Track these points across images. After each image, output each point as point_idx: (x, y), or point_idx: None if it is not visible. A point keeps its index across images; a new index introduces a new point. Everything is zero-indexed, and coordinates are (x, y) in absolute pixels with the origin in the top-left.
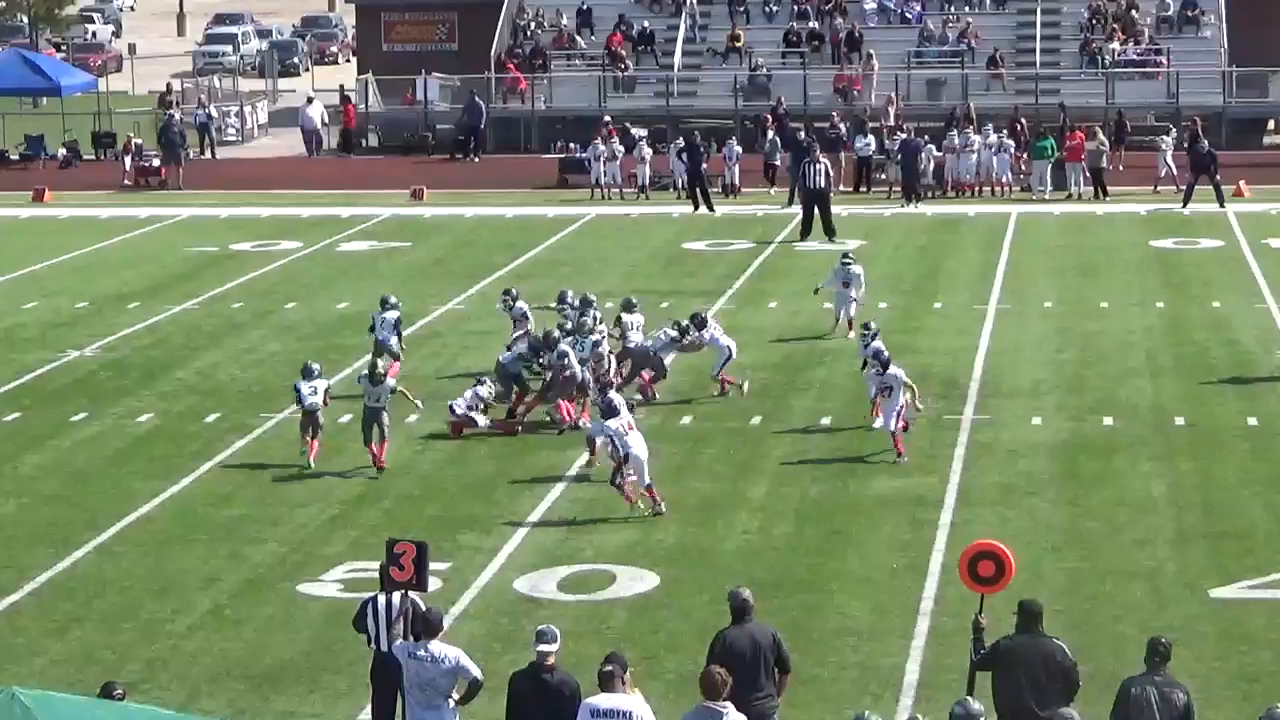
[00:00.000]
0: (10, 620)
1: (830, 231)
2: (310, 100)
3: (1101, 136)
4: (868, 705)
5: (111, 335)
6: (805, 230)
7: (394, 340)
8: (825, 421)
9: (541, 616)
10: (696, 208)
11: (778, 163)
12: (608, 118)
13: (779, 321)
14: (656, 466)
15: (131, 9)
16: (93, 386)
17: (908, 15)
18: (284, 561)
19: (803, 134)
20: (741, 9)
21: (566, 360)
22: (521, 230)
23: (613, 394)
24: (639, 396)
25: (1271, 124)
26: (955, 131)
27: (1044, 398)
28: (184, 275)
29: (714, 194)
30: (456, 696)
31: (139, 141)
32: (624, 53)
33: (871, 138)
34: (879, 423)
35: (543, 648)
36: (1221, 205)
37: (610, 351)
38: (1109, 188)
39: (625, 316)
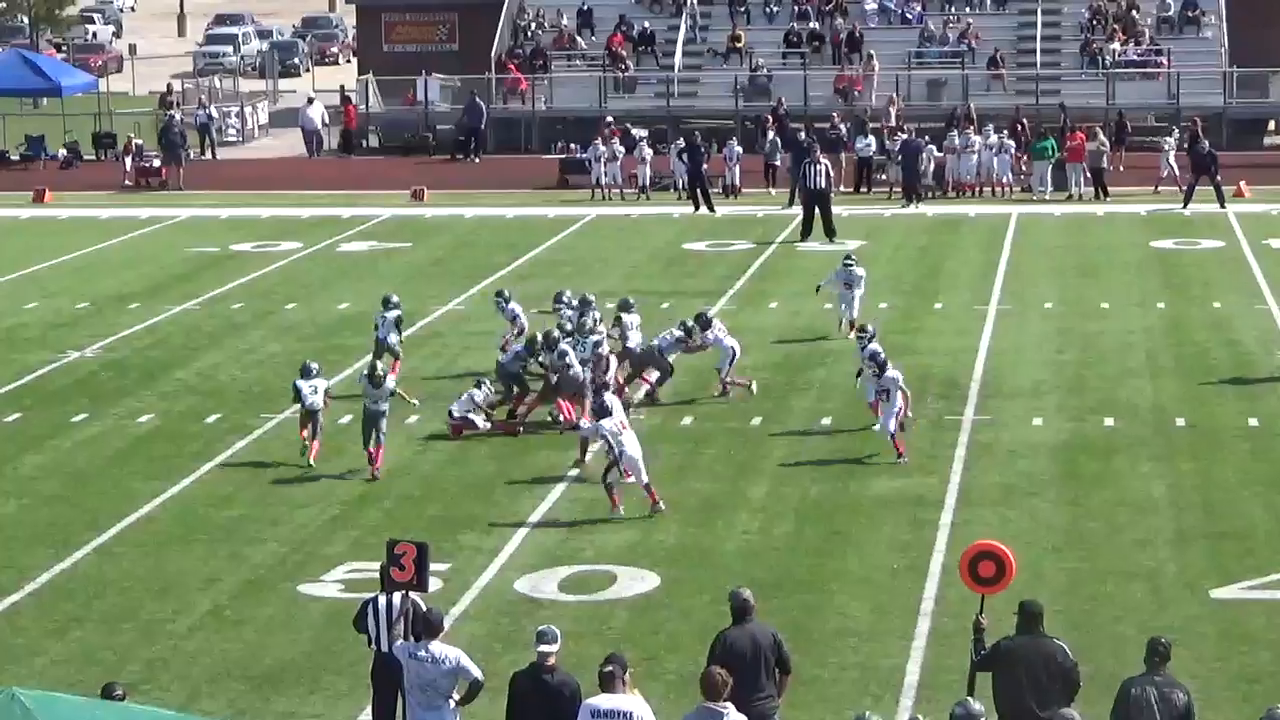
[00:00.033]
0: (10, 620)
1: (831, 232)
2: (311, 101)
3: (1102, 137)
4: (868, 706)
5: (112, 336)
6: (806, 231)
7: (394, 337)
8: (825, 422)
9: (542, 617)
10: (697, 208)
11: (778, 163)
12: (610, 118)
13: (779, 322)
14: (657, 467)
15: (132, 9)
16: (93, 387)
17: (908, 16)
18: (284, 562)
19: (803, 134)
20: (742, 9)
21: (567, 360)
22: (522, 231)
23: (606, 395)
24: (640, 396)
25: (1272, 124)
26: (956, 132)
27: (1044, 398)
28: (184, 276)
29: (714, 194)
30: (457, 697)
31: (139, 142)
32: (624, 53)
33: (872, 138)
34: (879, 426)
35: (543, 648)
36: (1222, 206)
37: (610, 351)
38: (1109, 188)
39: (624, 317)
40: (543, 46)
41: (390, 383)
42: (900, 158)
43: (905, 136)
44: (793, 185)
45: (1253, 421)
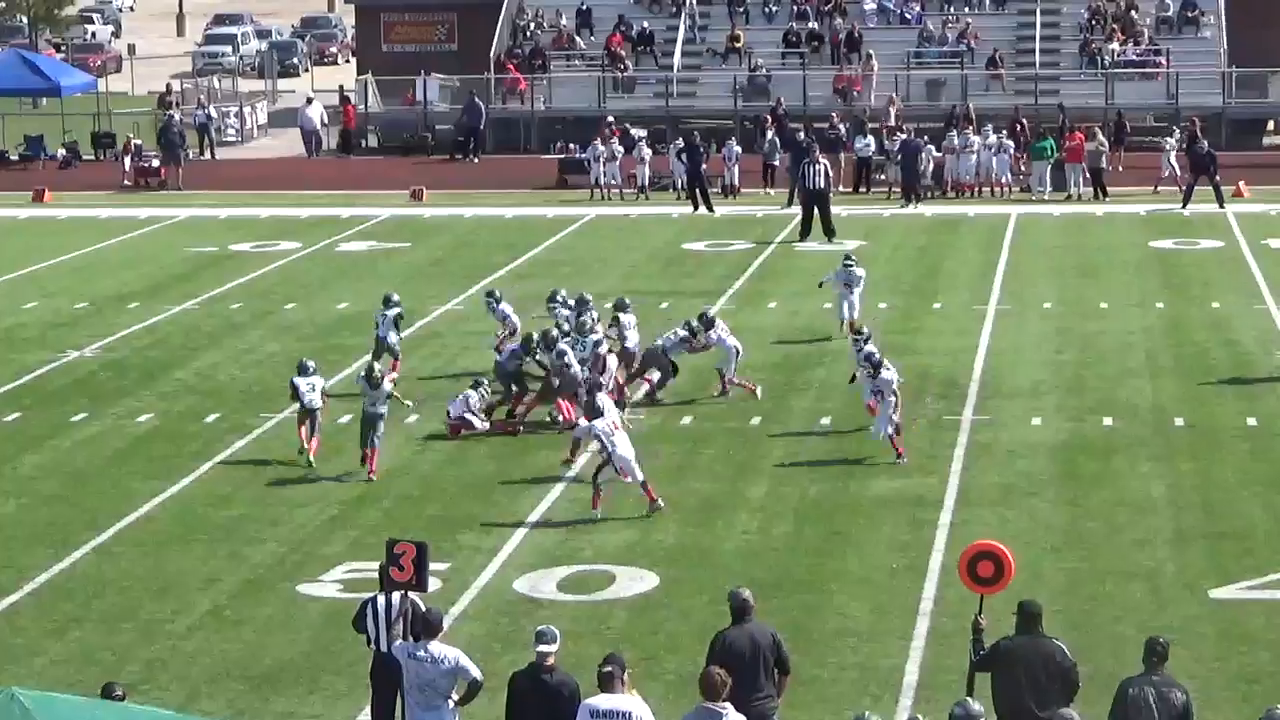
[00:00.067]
0: (10, 620)
1: (830, 232)
2: (310, 101)
3: (1101, 137)
4: (867, 706)
5: (111, 335)
6: (805, 231)
7: (393, 336)
8: (825, 422)
9: (541, 617)
10: (696, 208)
11: (777, 163)
12: (610, 118)
13: (779, 322)
14: (656, 466)
15: (131, 9)
16: (92, 387)
17: (907, 16)
18: (283, 562)
19: (802, 134)
20: (741, 9)
21: (566, 360)
22: (521, 231)
23: (599, 395)
24: (640, 396)
25: (1271, 125)
26: (955, 132)
27: (1043, 398)
28: (183, 276)
29: (713, 194)
30: (456, 697)
31: (138, 142)
32: (624, 53)
33: (871, 138)
34: (873, 430)
35: (542, 648)
36: (1221, 206)
37: (609, 351)
38: (1109, 188)
39: (621, 317)
40: (542, 46)
41: (388, 384)
42: (899, 158)
43: (904, 136)
44: (792, 185)
45: (1252, 421)
